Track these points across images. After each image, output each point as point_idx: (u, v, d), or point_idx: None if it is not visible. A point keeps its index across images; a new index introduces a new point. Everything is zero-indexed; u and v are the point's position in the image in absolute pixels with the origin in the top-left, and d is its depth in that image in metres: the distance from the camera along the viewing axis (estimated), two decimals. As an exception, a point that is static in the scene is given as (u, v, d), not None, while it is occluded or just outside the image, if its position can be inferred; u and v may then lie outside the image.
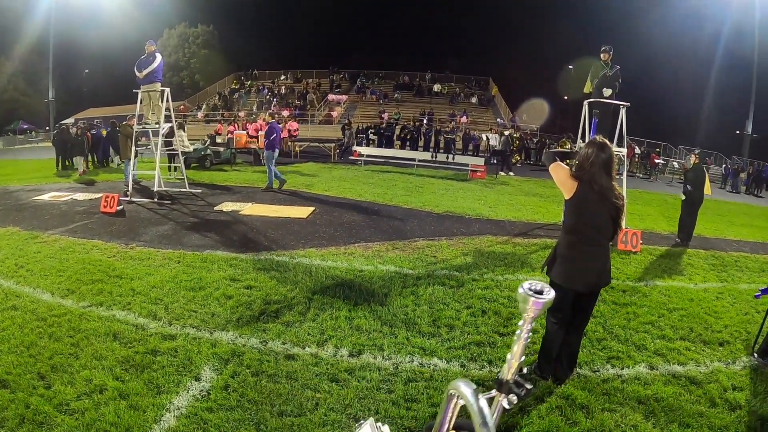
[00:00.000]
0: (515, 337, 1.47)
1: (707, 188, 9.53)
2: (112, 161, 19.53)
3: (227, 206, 10.41)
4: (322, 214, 10.00)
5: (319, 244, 7.70)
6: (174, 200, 11.06)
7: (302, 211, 10.02)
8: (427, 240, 8.24)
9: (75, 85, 56.80)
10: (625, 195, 8.72)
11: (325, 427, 3.27)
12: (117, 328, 4.54)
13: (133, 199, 10.84)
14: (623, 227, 8.17)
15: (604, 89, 9.44)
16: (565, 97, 49.58)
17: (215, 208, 10.22)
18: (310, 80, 45.98)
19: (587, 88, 9.84)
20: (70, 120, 34.47)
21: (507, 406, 1.55)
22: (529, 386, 1.57)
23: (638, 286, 6.51)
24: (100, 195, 10.19)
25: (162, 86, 11.61)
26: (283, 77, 47.97)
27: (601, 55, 9.60)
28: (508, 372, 1.56)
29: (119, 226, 8.62)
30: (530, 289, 1.48)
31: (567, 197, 3.80)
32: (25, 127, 43.73)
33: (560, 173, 3.85)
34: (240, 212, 9.87)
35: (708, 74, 44.79)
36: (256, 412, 3.40)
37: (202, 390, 3.63)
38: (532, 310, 1.44)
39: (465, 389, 1.34)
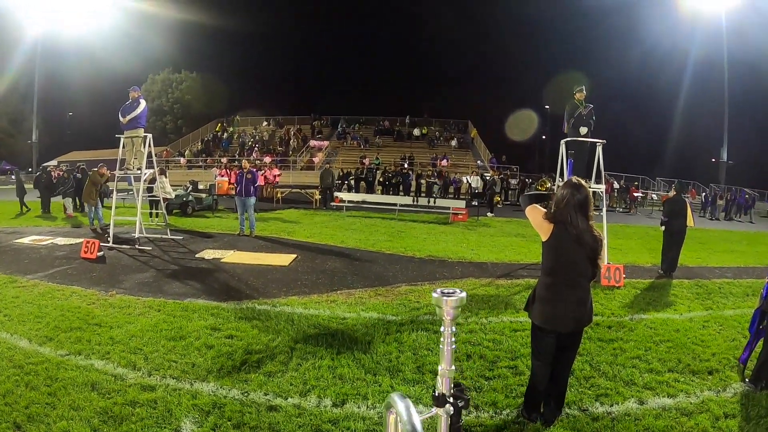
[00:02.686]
0: (440, 346, 1.50)
1: (690, 220, 9.67)
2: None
3: (209, 253, 10.38)
4: (303, 261, 10.01)
5: (301, 292, 7.70)
6: (155, 247, 10.98)
7: (284, 259, 10.02)
8: (410, 285, 8.29)
9: (59, 128, 56.79)
10: (605, 230, 9.00)
11: (307, 481, 3.24)
12: (95, 378, 4.47)
13: (113, 245, 10.74)
14: (603, 265, 8.30)
15: (581, 128, 9.69)
16: (543, 137, 50.82)
17: (197, 256, 10.18)
18: (292, 126, 46.49)
19: (566, 128, 10.08)
20: (53, 162, 34.29)
21: (446, 417, 1.55)
22: (467, 396, 1.58)
23: (624, 321, 6.59)
24: (81, 240, 10.10)
25: (145, 132, 11.72)
26: (265, 123, 48.51)
27: (576, 95, 9.84)
28: (442, 385, 1.57)
29: (99, 272, 8.53)
30: (442, 292, 1.54)
31: (544, 239, 3.87)
32: (7, 167, 43.28)
33: (536, 216, 3.93)
34: (221, 260, 9.84)
35: (681, 105, 46.29)
36: (238, 465, 3.35)
37: (182, 443, 3.57)
38: (447, 310, 1.47)
39: (399, 402, 1.35)
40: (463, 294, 1.50)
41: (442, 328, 1.46)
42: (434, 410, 1.51)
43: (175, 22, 50.72)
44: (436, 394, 1.54)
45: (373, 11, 72.07)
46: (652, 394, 4.52)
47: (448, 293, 1.53)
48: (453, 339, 1.47)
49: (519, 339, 5.76)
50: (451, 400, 1.54)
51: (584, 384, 4.70)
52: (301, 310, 6.76)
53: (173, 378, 4.59)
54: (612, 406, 4.29)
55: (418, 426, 1.19)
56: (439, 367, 1.53)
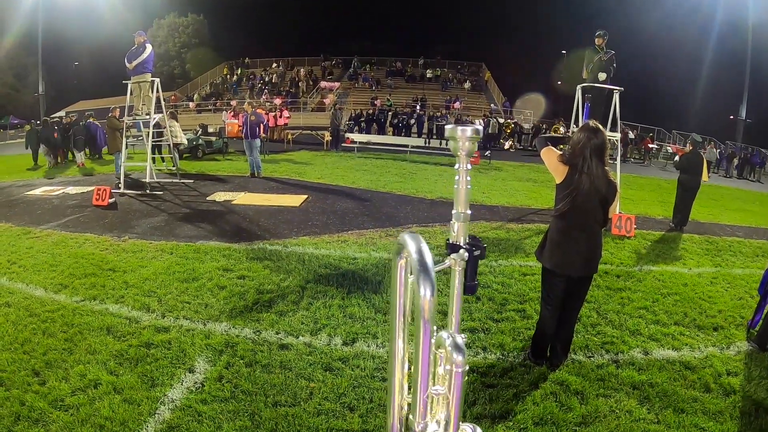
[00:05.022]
0: (454, 186, 1.36)
1: (705, 174, 9.50)
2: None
3: (220, 196, 10.38)
4: (315, 202, 9.98)
5: (312, 233, 7.70)
6: (166, 191, 11.00)
7: (295, 200, 10.00)
8: (421, 226, 8.25)
9: (65, 79, 56.18)
10: (618, 180, 8.79)
11: (319, 417, 3.29)
12: (110, 322, 4.54)
13: (125, 191, 10.77)
14: (616, 212, 8.19)
15: (600, 73, 9.41)
16: (559, 83, 49.47)
17: (208, 199, 10.19)
18: (302, 68, 45.59)
19: (585, 74, 9.79)
20: (61, 113, 34.15)
21: (461, 267, 1.41)
22: (483, 245, 1.47)
23: (632, 271, 6.53)
24: (92, 188, 10.12)
25: (152, 77, 11.52)
26: (274, 65, 47.58)
27: (596, 40, 9.57)
28: (457, 233, 1.45)
29: (111, 218, 8.58)
30: (457, 124, 1.42)
31: (558, 182, 3.79)
32: (15, 122, 43.26)
33: (551, 158, 3.84)
34: (232, 202, 9.84)
35: (702, 59, 44.72)
36: (250, 402, 3.41)
37: (196, 382, 3.64)
38: (463, 144, 1.34)
39: (409, 241, 1.18)
40: (479, 126, 1.38)
41: (456, 165, 1.32)
42: (447, 261, 1.37)
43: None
44: (450, 242, 1.41)
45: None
46: (656, 345, 4.50)
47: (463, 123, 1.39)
48: (468, 178, 1.33)
49: (528, 283, 5.74)
50: (466, 247, 1.40)
51: (591, 331, 4.70)
52: (312, 250, 6.77)
53: (186, 319, 4.66)
54: (617, 354, 4.29)
55: (430, 263, 1.06)
56: (453, 212, 1.39)
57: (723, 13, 38.03)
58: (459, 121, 29.49)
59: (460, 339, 1.12)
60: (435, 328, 1.04)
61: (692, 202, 9.42)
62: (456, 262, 1.32)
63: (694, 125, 36.57)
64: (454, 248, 1.37)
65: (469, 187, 1.35)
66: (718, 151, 29.00)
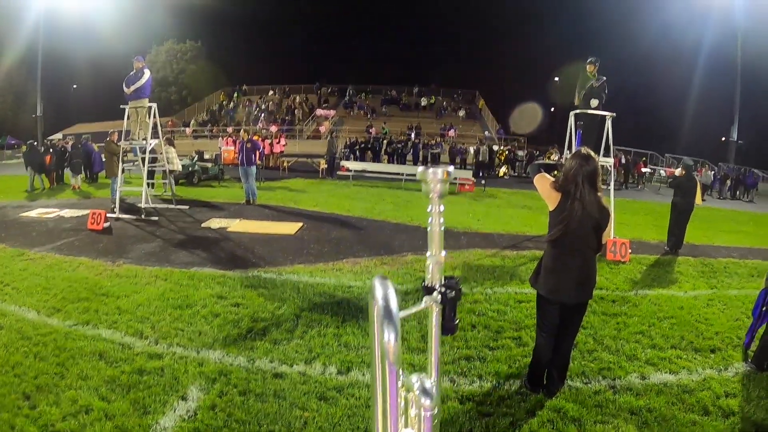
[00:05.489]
0: (428, 228, 1.39)
1: (699, 198, 9.59)
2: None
3: (215, 223, 10.39)
4: (310, 230, 10.00)
5: (307, 261, 7.70)
6: (161, 217, 10.99)
7: (290, 227, 10.02)
8: (416, 254, 8.26)
9: (63, 101, 56.48)
10: (612, 205, 8.89)
11: (312, 446, 3.27)
12: (103, 347, 4.51)
13: (120, 215, 10.76)
14: (610, 238, 8.25)
15: (591, 100, 9.55)
16: (552, 109, 50.17)
17: (203, 225, 10.19)
18: (298, 96, 46.07)
19: (577, 101, 9.95)
20: (59, 135, 34.24)
21: (437, 309, 1.42)
22: (458, 286, 1.48)
23: (628, 296, 6.57)
24: (87, 212, 10.11)
25: (150, 102, 11.62)
26: (271, 92, 48.08)
27: (587, 67, 9.70)
28: (432, 276, 1.46)
29: (106, 243, 8.56)
30: (427, 167, 1.43)
31: (551, 208, 3.84)
32: (13, 142, 43.30)
33: (544, 184, 3.90)
34: (227, 229, 9.85)
35: (692, 81, 45.40)
36: None
37: (188, 410, 3.61)
38: (434, 186, 1.35)
39: (378, 285, 1.19)
40: (450, 168, 1.41)
41: (429, 208, 1.35)
42: (423, 303, 1.39)
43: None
44: (425, 284, 1.43)
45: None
46: (654, 369, 4.52)
47: (434, 167, 1.42)
48: (441, 220, 1.36)
49: (523, 310, 5.76)
50: (441, 289, 1.42)
51: (587, 357, 4.71)
52: (307, 278, 6.77)
53: (180, 346, 4.63)
54: (614, 380, 4.29)
55: (394, 309, 1.09)
56: (427, 254, 1.42)
57: (712, 35, 38.79)
58: (453, 150, 29.84)
59: (429, 383, 1.14)
60: (401, 371, 1.08)
61: (686, 224, 9.49)
62: (432, 305, 1.36)
63: (686, 148, 37.11)
64: (428, 290, 1.40)
65: (442, 228, 1.38)
66: (713, 173, 29.33)
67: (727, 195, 27.52)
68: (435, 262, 1.41)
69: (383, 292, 1.12)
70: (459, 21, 66.67)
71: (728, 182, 28.33)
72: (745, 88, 34.46)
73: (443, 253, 1.40)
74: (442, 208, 1.37)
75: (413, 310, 1.24)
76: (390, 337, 1.07)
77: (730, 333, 5.44)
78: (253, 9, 59.09)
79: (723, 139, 38.66)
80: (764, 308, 4.88)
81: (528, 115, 43.69)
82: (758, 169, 30.61)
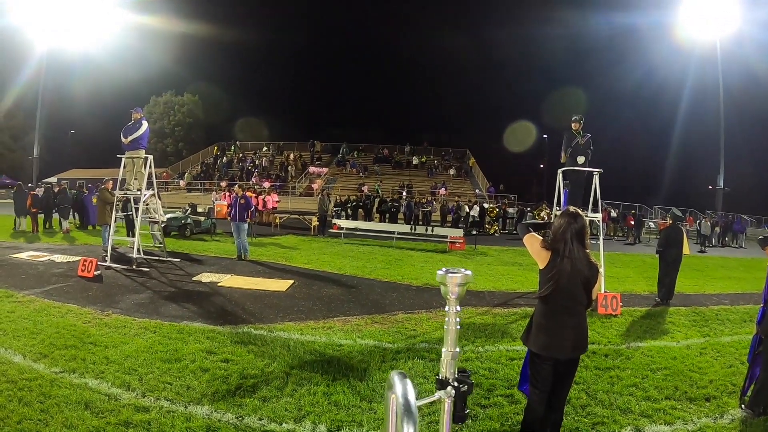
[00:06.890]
0: (445, 327, 1.47)
1: (686, 248, 9.76)
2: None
3: (206, 277, 10.37)
4: (301, 287, 10.00)
5: (297, 318, 7.68)
6: (152, 268, 10.96)
7: (281, 284, 10.02)
8: (407, 313, 8.27)
9: (60, 145, 57.11)
10: (602, 259, 9.02)
11: None
12: (89, 397, 4.45)
13: (111, 264, 10.72)
14: (601, 292, 8.33)
15: (578, 157, 9.80)
16: (541, 165, 51.30)
17: (194, 278, 10.17)
18: (292, 152, 46.81)
19: (563, 158, 10.17)
20: (53, 179, 34.34)
21: (449, 401, 1.50)
22: (470, 381, 1.55)
23: (620, 349, 6.60)
24: (78, 258, 10.08)
25: (146, 153, 11.81)
26: (264, 148, 48.87)
27: (572, 125, 9.97)
28: (446, 368, 1.54)
29: (96, 291, 8.51)
30: (447, 270, 1.52)
31: (541, 267, 3.92)
32: (7, 182, 43.32)
33: (534, 244, 3.99)
34: (218, 283, 9.82)
35: (677, 134, 47.00)
36: (231, 490, 3.33)
37: (175, 465, 3.54)
38: (452, 288, 1.44)
39: (397, 381, 1.31)
40: (469, 272, 1.51)
41: (446, 308, 1.45)
42: (437, 394, 1.48)
43: (179, 42, 51.37)
44: (440, 377, 1.52)
45: (374, 42, 73.61)
46: (648, 421, 4.52)
47: (453, 271, 1.53)
48: (457, 320, 1.46)
49: (515, 368, 5.75)
50: (455, 383, 1.51)
51: (581, 412, 4.70)
52: (298, 335, 6.74)
53: (167, 400, 4.57)
54: None
55: (413, 403, 1.18)
56: (443, 350, 1.51)
57: (693, 83, 40.36)
58: (444, 208, 30.18)
59: None
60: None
61: (676, 275, 9.61)
62: (445, 397, 1.47)
63: (674, 198, 37.85)
64: (443, 384, 1.51)
65: (458, 327, 1.50)
66: (711, 223, 29.71)
67: (717, 243, 27.89)
68: (450, 357, 1.53)
69: (402, 389, 1.23)
70: (448, 82, 69.37)
71: (717, 229, 28.70)
72: (729, 138, 35.92)
73: (457, 349, 1.51)
74: (458, 308, 1.49)
75: (426, 400, 1.35)
76: (409, 429, 1.18)
77: (725, 380, 5.48)
78: (249, 64, 61.15)
79: (710, 187, 39.48)
80: (757, 352, 4.94)
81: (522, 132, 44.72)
82: (745, 215, 31.10)
